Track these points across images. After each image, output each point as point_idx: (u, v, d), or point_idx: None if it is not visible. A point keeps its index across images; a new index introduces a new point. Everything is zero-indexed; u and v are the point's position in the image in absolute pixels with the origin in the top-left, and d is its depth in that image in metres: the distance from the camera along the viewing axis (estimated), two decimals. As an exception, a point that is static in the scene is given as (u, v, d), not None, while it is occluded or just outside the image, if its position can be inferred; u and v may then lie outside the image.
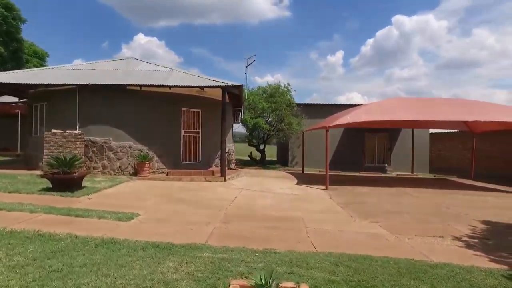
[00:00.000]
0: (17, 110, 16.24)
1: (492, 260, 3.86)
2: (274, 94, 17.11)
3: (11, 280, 2.79)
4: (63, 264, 3.16)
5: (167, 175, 10.13)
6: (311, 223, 5.41)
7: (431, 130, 17.74)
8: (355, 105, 15.70)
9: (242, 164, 17.68)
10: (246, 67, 18.39)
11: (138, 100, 10.29)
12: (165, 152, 10.72)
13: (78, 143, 9.58)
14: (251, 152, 19.73)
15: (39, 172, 8.82)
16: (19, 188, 7.04)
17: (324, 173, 10.19)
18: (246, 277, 2.96)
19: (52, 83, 9.91)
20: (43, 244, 3.69)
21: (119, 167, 10.14)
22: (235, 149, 16.51)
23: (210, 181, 9.90)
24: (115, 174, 10.03)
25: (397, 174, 15.73)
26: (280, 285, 2.41)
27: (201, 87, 10.15)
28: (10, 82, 10.05)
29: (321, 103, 17.88)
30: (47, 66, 23.42)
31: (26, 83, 10.01)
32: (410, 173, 16.07)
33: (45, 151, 9.31)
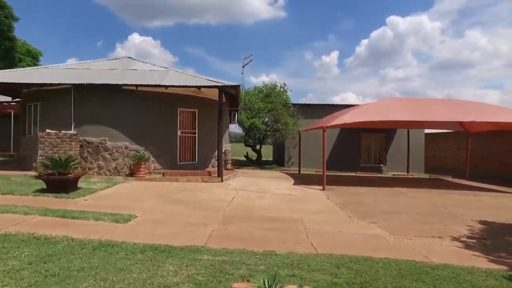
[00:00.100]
0: (9, 110, 15.99)
1: (492, 261, 3.87)
2: (270, 94, 17.07)
3: (6, 285, 2.71)
4: (60, 268, 3.08)
5: (163, 176, 10.04)
6: (310, 224, 5.40)
7: (426, 131, 17.88)
8: (352, 105, 15.75)
9: (238, 164, 17.64)
10: (243, 67, 18.38)
11: (134, 100, 10.18)
12: (162, 153, 10.63)
13: (73, 143, 9.45)
14: (247, 152, 19.71)
15: (33, 173, 8.69)
16: (13, 190, 6.91)
17: (321, 173, 10.20)
18: (248, 280, 2.92)
19: (47, 82, 9.77)
20: (39, 247, 3.61)
21: (115, 167, 10.03)
22: (231, 149, 16.45)
23: (207, 182, 9.84)
24: (111, 175, 9.92)
25: (393, 174, 15.82)
26: (283, 288, 2.38)
27: (198, 87, 10.08)
28: (3, 82, 9.86)
29: (317, 103, 17.89)
30: (41, 65, 23.13)
31: (20, 83, 9.85)
32: (406, 173, 16.18)
33: (40, 151, 9.17)
